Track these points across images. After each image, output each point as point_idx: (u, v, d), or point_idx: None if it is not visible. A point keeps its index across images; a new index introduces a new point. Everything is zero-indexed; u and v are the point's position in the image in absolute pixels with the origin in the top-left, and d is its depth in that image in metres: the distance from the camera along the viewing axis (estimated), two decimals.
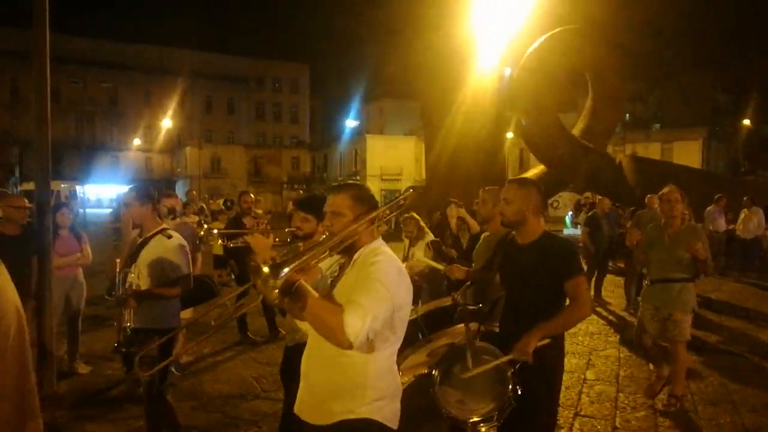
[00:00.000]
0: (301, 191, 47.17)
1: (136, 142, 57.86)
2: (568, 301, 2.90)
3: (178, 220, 6.12)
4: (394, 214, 2.72)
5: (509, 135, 23.57)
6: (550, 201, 25.69)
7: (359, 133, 53.30)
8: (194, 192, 14.24)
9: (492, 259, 3.39)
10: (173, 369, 5.84)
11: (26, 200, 5.47)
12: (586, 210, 14.68)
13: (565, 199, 29.19)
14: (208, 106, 66.07)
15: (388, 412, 2.21)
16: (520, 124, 18.00)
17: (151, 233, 3.85)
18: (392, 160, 48.97)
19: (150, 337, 3.60)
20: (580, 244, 10.00)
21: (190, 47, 62.57)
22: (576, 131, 18.33)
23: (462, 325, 3.32)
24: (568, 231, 19.79)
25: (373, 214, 2.26)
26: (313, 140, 67.87)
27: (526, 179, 3.23)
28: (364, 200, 2.30)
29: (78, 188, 38.34)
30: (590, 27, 18.15)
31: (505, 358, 2.77)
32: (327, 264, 2.47)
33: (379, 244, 2.29)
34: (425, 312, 3.61)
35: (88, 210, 33.39)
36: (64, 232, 6.04)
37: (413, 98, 44.66)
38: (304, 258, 1.96)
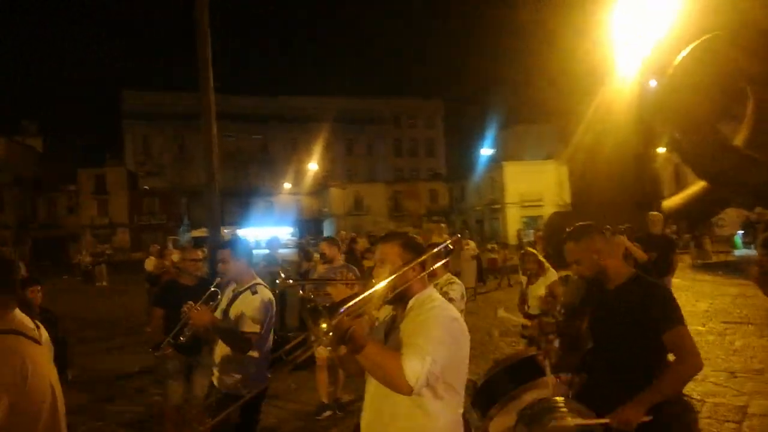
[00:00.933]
0: (442, 225, 47.38)
1: (287, 185, 61.89)
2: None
3: (326, 265, 6.06)
4: (444, 261, 2.65)
5: (661, 150, 21.95)
6: (714, 219, 23.35)
7: (495, 161, 52.67)
8: (343, 232, 14.70)
9: (580, 305, 3.09)
10: (336, 411, 5.89)
11: (201, 252, 5.78)
12: (762, 228, 13.18)
13: (731, 216, 26.42)
14: (349, 148, 69.45)
15: None
16: (673, 138, 16.69)
17: (243, 288, 3.76)
18: (532, 185, 47.65)
19: (234, 402, 3.44)
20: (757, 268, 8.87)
21: (332, 94, 66.60)
22: (739, 142, 16.62)
23: (552, 377, 2.99)
24: (740, 252, 17.85)
25: (422, 258, 2.24)
26: (449, 172, 68.32)
27: (580, 231, 2.85)
28: (412, 247, 2.29)
29: (238, 232, 41.62)
30: (747, 32, 16.49)
31: (598, 421, 2.49)
32: (381, 316, 2.43)
33: (432, 291, 2.29)
34: (510, 363, 3.28)
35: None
36: (338, 262, 6.13)
37: (550, 121, 43.41)
38: (355, 302, 1.93)
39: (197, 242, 35.63)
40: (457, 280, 4.50)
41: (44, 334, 2.36)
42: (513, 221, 46.91)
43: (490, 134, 59.43)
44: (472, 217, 55.65)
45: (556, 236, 6.70)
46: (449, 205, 60.95)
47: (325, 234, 55.48)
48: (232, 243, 3.93)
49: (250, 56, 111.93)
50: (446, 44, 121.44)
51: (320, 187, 62.80)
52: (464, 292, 4.47)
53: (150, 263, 11.56)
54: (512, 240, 38.00)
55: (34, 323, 2.23)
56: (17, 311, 2.15)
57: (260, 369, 3.69)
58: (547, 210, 42.32)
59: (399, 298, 2.22)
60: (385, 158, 70.57)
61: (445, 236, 16.80)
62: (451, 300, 4.24)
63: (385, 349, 2.07)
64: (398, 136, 71.23)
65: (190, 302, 3.64)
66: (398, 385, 1.98)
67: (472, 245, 16.01)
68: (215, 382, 3.74)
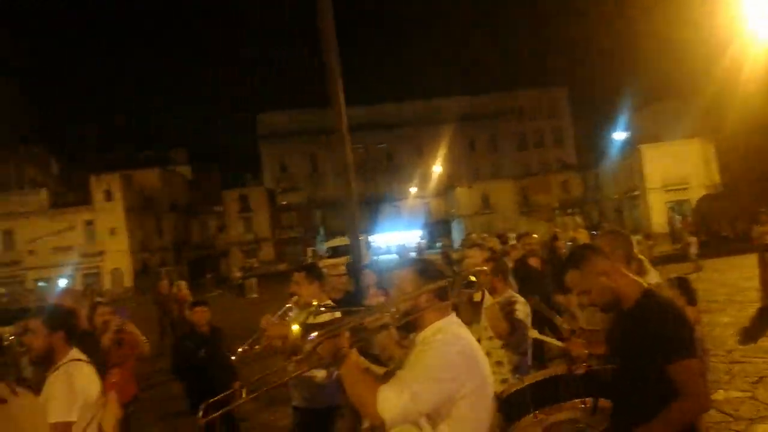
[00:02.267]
0: (577, 218, 45.35)
1: (413, 190, 62.66)
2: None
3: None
4: (467, 293, 2.50)
5: None
6: None
7: (631, 145, 49.40)
8: (473, 235, 14.55)
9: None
10: None
11: (343, 267, 6.03)
12: None
13: None
14: (472, 146, 68.84)
15: None
16: None
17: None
18: (675, 168, 44.13)
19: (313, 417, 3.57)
20: None
21: (452, 94, 66.51)
22: None
23: (578, 400, 2.71)
24: None
25: (433, 286, 2.11)
26: (580, 161, 65.34)
27: (578, 255, 2.52)
28: (429, 274, 2.17)
29: (369, 239, 42.85)
30: None
31: None
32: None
33: (446, 323, 2.13)
34: (534, 382, 2.99)
35: (381, 257, 36.83)
36: (372, 289, 6.50)
37: (691, 97, 40.06)
38: (343, 324, 1.94)
39: (334, 251, 37.19)
40: (521, 298, 4.19)
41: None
42: (657, 208, 43.86)
43: (623, 116, 56.06)
44: (610, 206, 52.77)
45: (710, 222, 6.15)
46: (583, 195, 58.28)
47: (454, 235, 55.39)
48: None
49: (367, 65, 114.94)
50: (564, 26, 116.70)
51: (446, 189, 62.84)
52: (530, 312, 4.17)
53: None
54: (658, 228, 35.48)
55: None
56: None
57: (332, 383, 3.72)
58: (695, 193, 39.07)
59: (411, 327, 2.14)
60: (510, 153, 69.07)
61: (581, 230, 16.06)
62: (517, 321, 4.02)
63: (367, 375, 2.01)
64: (522, 129, 69.38)
65: (267, 314, 3.77)
66: (369, 413, 1.93)
67: None
68: (293, 400, 3.90)
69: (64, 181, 58.65)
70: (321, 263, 18.93)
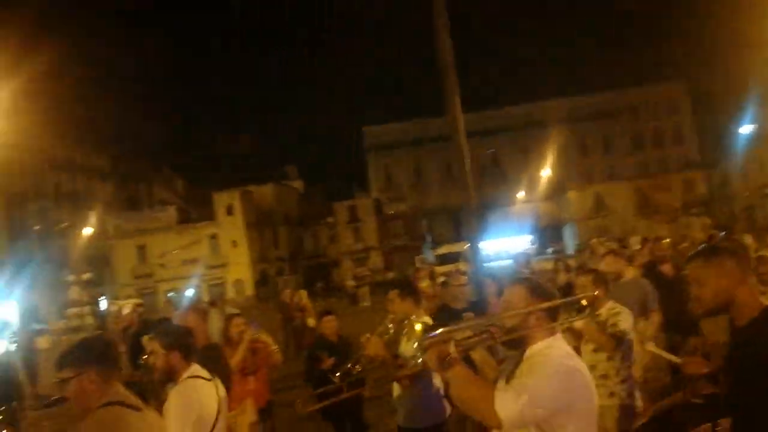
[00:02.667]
0: (705, 218, 42.18)
1: (521, 194, 61.25)
2: None
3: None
4: (575, 318, 2.51)
5: None
6: None
7: (761, 137, 45.23)
8: (593, 240, 13.89)
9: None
10: None
11: (464, 277, 6.05)
12: None
13: None
14: (583, 148, 66.24)
15: None
16: None
17: None
18: None
19: None
20: None
21: (559, 95, 64.47)
22: None
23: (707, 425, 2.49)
24: None
25: (545, 305, 2.13)
26: (704, 158, 60.85)
27: (713, 250, 2.28)
28: (540, 293, 2.18)
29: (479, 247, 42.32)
30: None
31: None
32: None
33: (554, 341, 2.14)
34: (657, 415, 2.70)
35: (491, 264, 36.27)
36: (494, 299, 6.42)
37: None
38: (449, 329, 1.99)
39: (443, 259, 37.15)
40: (624, 309, 4.02)
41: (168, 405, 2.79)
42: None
43: (749, 108, 51.57)
44: (739, 204, 48.66)
45: None
46: (708, 194, 54.17)
47: (566, 240, 53.43)
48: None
49: (469, 70, 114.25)
50: (677, 16, 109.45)
51: (556, 192, 60.85)
52: (633, 321, 4.01)
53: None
54: None
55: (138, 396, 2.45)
56: (118, 384, 2.36)
57: (435, 402, 3.75)
58: None
59: (517, 343, 2.15)
60: (625, 153, 65.63)
61: (711, 231, 14.95)
62: (622, 332, 3.86)
63: (479, 378, 2.05)
64: (638, 128, 65.75)
65: (366, 334, 3.83)
66: (486, 415, 1.93)
67: (748, 242, 12.44)
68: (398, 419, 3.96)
69: (189, 199, 63.21)
70: (438, 271, 19.00)
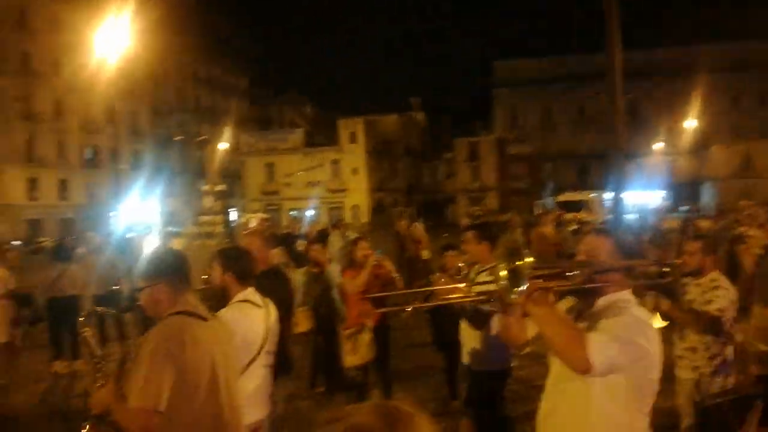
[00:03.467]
0: None
1: (658, 146, 56.92)
2: None
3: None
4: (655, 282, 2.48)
5: None
6: None
7: None
8: (741, 202, 12.54)
9: None
10: None
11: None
12: None
13: None
14: (735, 100, 59.74)
15: None
16: None
17: None
18: None
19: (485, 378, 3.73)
20: None
21: (712, 41, 58.01)
22: None
23: None
24: None
25: (627, 264, 2.13)
26: None
27: None
28: (624, 249, 2.19)
29: (605, 197, 40.26)
30: None
31: None
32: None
33: (627, 294, 2.14)
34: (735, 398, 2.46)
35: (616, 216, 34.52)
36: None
37: None
38: (548, 271, 2.01)
39: (564, 207, 35.78)
40: (725, 283, 3.70)
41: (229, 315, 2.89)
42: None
43: None
44: None
45: None
46: None
47: (703, 199, 49.36)
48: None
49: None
50: None
51: (698, 147, 55.90)
52: (735, 298, 3.67)
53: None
54: None
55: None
56: (188, 294, 2.44)
57: (501, 348, 3.68)
58: None
59: (590, 293, 2.14)
60: None
61: None
62: (719, 311, 3.56)
63: (571, 320, 2.05)
64: None
65: (437, 273, 3.87)
66: (575, 358, 1.90)
67: None
68: (464, 359, 4.02)
69: (316, 123, 65.14)
70: (562, 218, 18.40)
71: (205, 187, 40.95)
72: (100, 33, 19.76)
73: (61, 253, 8.25)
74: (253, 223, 24.03)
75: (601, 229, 2.42)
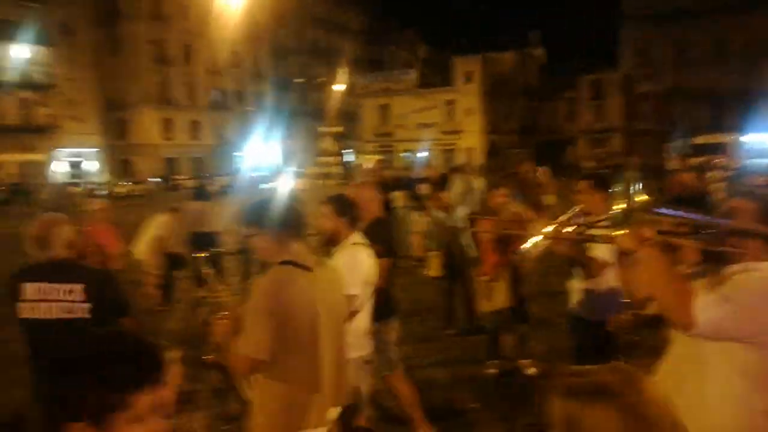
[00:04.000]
0: None
1: None
2: None
3: None
4: None
5: None
6: None
7: None
8: None
9: None
10: None
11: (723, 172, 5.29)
12: None
13: None
14: None
15: None
16: None
17: None
18: None
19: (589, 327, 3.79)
20: None
21: None
22: None
23: None
24: None
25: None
26: None
27: None
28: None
29: (740, 139, 36.76)
30: None
31: None
32: None
33: (759, 264, 1.88)
34: None
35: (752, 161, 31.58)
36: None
37: None
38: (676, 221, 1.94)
39: (698, 150, 33.10)
40: None
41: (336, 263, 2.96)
42: None
43: None
44: None
45: None
46: None
47: None
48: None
49: None
50: None
51: None
52: None
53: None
54: None
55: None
56: (295, 244, 2.46)
57: (606, 299, 3.69)
58: None
59: (719, 257, 1.95)
60: None
61: None
62: None
63: (682, 275, 1.91)
64: None
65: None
66: (679, 311, 1.77)
67: None
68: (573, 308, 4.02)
69: (430, 63, 64.05)
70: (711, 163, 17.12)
71: (323, 129, 42.09)
72: None
73: (201, 193, 8.97)
74: (369, 165, 24.48)
75: (748, 192, 2.14)
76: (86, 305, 2.85)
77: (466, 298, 6.53)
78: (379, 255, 3.53)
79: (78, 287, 2.86)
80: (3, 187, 32.87)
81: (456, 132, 52.87)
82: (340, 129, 41.93)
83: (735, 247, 1.93)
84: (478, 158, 50.63)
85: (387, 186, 12.58)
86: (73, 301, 2.84)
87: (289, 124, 56.17)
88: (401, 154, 51.80)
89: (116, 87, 45.62)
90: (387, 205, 12.25)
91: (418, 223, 10.49)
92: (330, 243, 3.40)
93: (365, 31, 66.96)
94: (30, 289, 2.88)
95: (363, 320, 3.43)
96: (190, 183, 34.98)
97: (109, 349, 1.14)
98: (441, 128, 52.97)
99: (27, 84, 38.89)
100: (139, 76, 46.28)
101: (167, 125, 48.86)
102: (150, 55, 46.94)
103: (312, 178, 33.88)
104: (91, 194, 26.05)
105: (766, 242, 1.92)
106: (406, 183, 11.75)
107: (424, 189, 11.29)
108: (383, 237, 3.90)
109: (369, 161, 30.74)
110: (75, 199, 26.29)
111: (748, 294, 1.81)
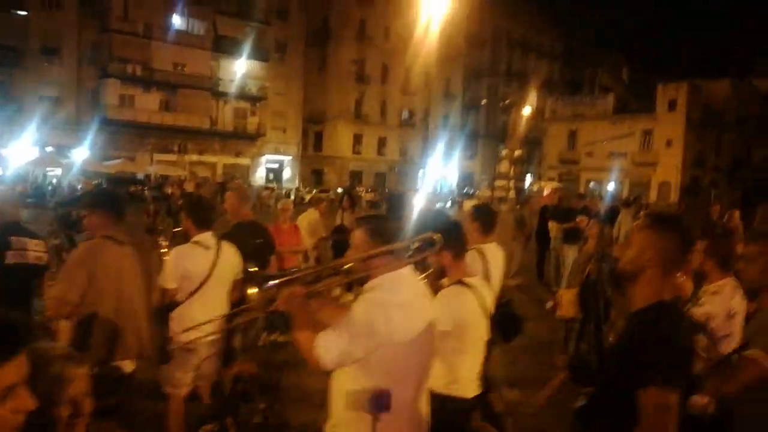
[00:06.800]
0: None
1: None
2: None
3: None
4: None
5: None
6: None
7: None
8: None
9: None
10: None
11: None
12: None
13: None
14: None
15: None
16: None
17: None
18: None
19: None
20: None
21: None
22: None
23: None
24: None
25: (387, 248, 2.21)
26: None
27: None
28: (379, 235, 2.25)
29: None
30: None
31: None
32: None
33: (395, 275, 2.22)
34: None
35: None
36: None
37: None
38: (286, 277, 2.27)
39: None
40: (728, 290, 3.07)
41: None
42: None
43: None
44: None
45: None
46: None
47: None
48: None
49: None
50: None
51: None
52: (736, 310, 3.01)
53: None
54: None
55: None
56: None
57: None
58: None
59: (362, 281, 2.29)
60: None
61: None
62: (707, 318, 3.04)
63: (310, 323, 2.16)
64: None
65: None
66: (308, 356, 2.11)
67: None
68: None
69: (632, 88, 59.99)
70: None
71: (504, 152, 41.40)
72: (425, 0, 21.00)
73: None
74: (547, 191, 23.54)
75: (365, 218, 2.60)
76: None
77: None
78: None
79: None
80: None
81: (651, 164, 48.63)
82: (520, 152, 40.98)
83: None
84: (673, 195, 46.14)
85: (546, 213, 11.92)
86: None
87: (472, 145, 56.29)
88: (587, 184, 49.05)
89: (318, 102, 49.54)
90: (545, 234, 11.63)
91: (562, 254, 9.82)
92: (439, 277, 3.10)
93: (564, 53, 64.88)
94: None
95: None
96: (369, 196, 36.66)
97: None
98: (634, 159, 49.18)
99: (242, 95, 43.87)
100: (339, 93, 49.73)
101: (357, 140, 51.81)
102: (351, 74, 50.19)
103: (484, 201, 33.47)
104: (279, 197, 28.54)
105: (392, 255, 2.23)
106: (565, 213, 10.96)
107: (582, 221, 10.51)
108: None
109: (546, 187, 29.59)
110: (266, 201, 29.05)
111: (359, 318, 2.12)
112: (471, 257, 3.41)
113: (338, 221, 8.94)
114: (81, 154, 33.46)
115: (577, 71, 64.63)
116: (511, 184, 37.58)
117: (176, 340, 3.67)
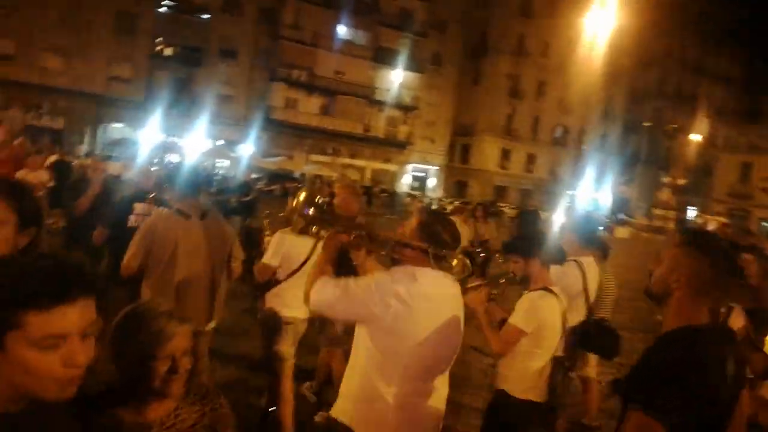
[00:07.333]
0: None
1: None
2: None
3: None
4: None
5: None
6: None
7: None
8: None
9: None
10: None
11: None
12: None
13: None
14: None
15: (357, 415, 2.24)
16: None
17: None
18: None
19: None
20: None
21: None
22: None
23: None
24: None
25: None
26: None
27: None
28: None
29: None
30: None
31: None
32: None
33: (407, 270, 2.30)
34: None
35: None
36: None
37: None
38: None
39: None
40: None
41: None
42: None
43: None
44: None
45: None
46: None
47: None
48: None
49: None
50: None
51: None
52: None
53: None
54: None
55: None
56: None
57: None
58: None
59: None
60: None
61: None
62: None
63: (329, 263, 2.39)
64: None
65: None
66: (306, 288, 2.33)
67: None
68: None
69: None
70: None
71: (666, 179, 38.38)
72: (590, 17, 20.22)
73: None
74: (711, 227, 21.42)
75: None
76: None
77: None
78: None
79: None
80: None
81: None
82: (684, 182, 37.73)
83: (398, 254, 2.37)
84: None
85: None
86: None
87: (629, 170, 52.88)
88: (761, 222, 43.98)
89: (468, 114, 49.41)
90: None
91: None
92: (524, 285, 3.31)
93: (743, 77, 58.86)
94: None
95: None
96: (512, 212, 35.71)
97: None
98: None
99: (396, 104, 44.97)
100: (490, 106, 49.22)
101: (505, 154, 50.86)
102: (505, 88, 49.48)
103: (640, 229, 31.28)
104: (413, 201, 28.84)
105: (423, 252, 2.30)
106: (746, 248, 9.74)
107: (748, 261, 9.28)
108: None
109: (711, 222, 26.93)
110: (408, 207, 29.54)
111: (359, 282, 2.28)
112: (569, 267, 3.69)
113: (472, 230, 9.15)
114: (247, 149, 36.29)
115: (756, 99, 58.19)
116: (672, 214, 34.71)
117: (280, 315, 3.94)
